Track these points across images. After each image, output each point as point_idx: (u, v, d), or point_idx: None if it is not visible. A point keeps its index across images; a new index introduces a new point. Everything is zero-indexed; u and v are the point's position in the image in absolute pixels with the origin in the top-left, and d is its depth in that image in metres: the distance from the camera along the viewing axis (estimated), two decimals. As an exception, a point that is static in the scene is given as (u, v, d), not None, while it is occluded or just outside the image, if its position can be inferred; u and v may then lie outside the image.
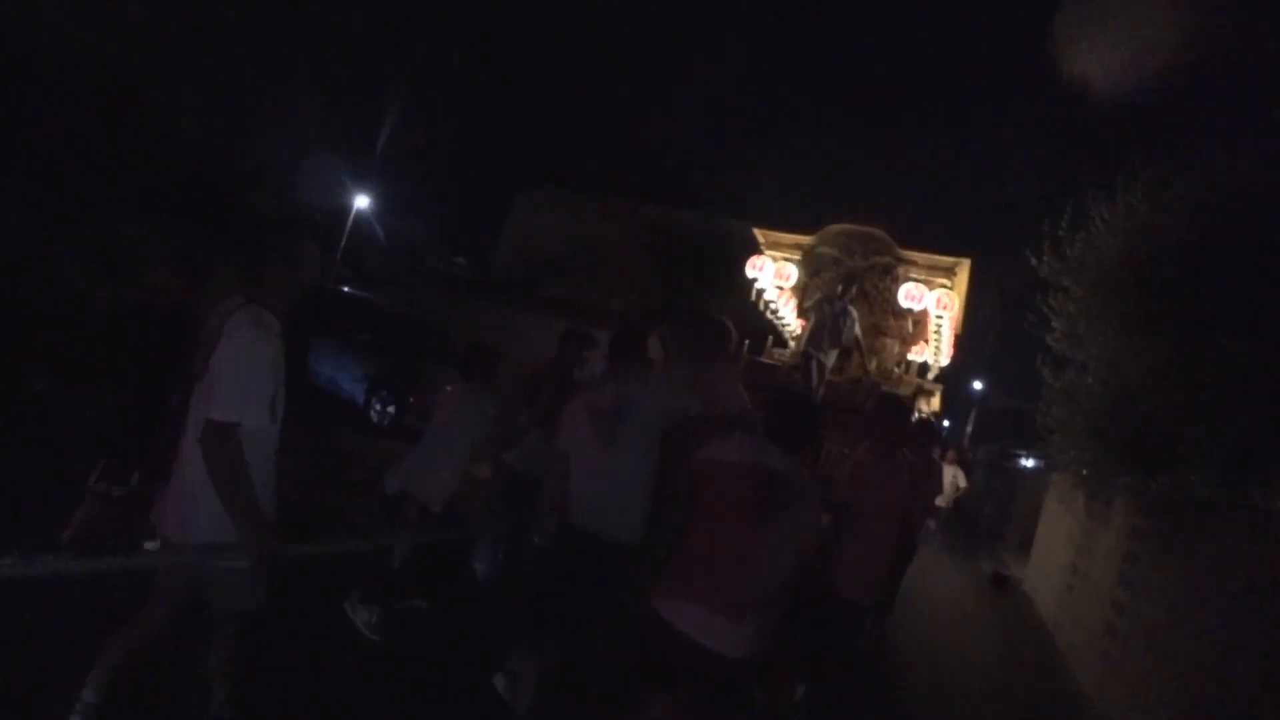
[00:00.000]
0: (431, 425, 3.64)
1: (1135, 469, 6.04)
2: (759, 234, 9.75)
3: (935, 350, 9.46)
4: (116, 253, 6.45)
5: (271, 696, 2.67)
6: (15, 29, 6.46)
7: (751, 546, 2.29)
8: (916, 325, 8.92)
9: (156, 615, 2.21)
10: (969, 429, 24.54)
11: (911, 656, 5.72)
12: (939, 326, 8.82)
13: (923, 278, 8.39)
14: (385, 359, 9.44)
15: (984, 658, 6.54)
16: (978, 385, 25.21)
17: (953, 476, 9.47)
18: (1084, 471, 7.01)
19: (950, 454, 10.44)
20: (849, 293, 7.83)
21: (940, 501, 9.24)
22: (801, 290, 9.19)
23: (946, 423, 14.57)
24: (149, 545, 2.92)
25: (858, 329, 7.80)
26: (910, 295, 8.09)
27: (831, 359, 7.62)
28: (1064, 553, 8.45)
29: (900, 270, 8.71)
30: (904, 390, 8.72)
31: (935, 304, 8.22)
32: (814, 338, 7.55)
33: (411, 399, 8.94)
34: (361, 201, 23.39)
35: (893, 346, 8.97)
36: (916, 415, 8.40)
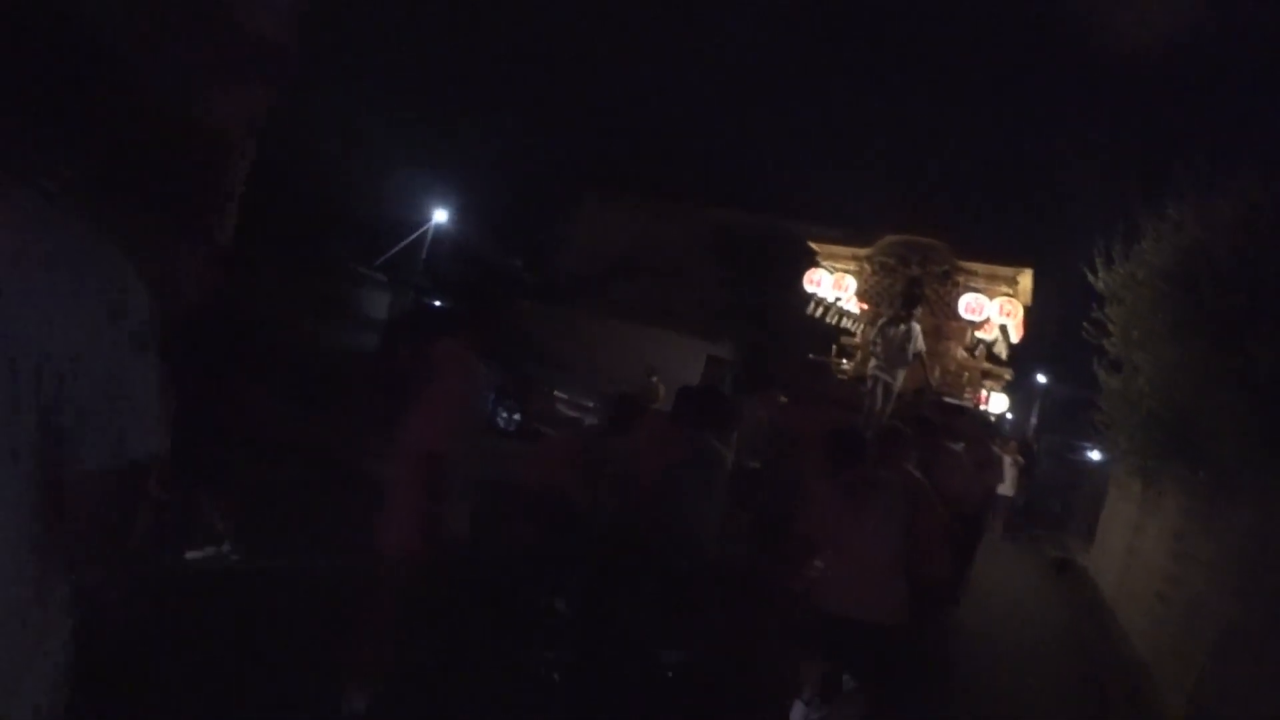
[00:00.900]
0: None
1: (1183, 460, 6.77)
2: (815, 246, 9.97)
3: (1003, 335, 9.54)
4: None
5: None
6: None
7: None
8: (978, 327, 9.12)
9: None
10: (1033, 420, 24.69)
11: (979, 629, 6.50)
12: (1004, 325, 9.07)
13: (983, 287, 8.79)
14: (504, 370, 10.09)
15: (1048, 631, 7.39)
16: (1041, 379, 25.30)
17: (1012, 464, 10.24)
18: (1143, 462, 7.67)
19: (1011, 444, 11.24)
20: (911, 312, 7.83)
21: (1002, 490, 10.01)
22: (862, 296, 9.41)
23: (1010, 415, 15.09)
24: (191, 555, 3.64)
25: (920, 342, 7.76)
26: (970, 308, 8.45)
27: (899, 379, 7.67)
28: (1122, 537, 9.13)
29: (960, 277, 9.04)
30: (970, 375, 9.12)
31: (999, 311, 8.57)
32: (880, 361, 7.63)
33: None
34: (440, 215, 24.71)
35: (955, 350, 9.31)
36: (974, 405, 8.92)
